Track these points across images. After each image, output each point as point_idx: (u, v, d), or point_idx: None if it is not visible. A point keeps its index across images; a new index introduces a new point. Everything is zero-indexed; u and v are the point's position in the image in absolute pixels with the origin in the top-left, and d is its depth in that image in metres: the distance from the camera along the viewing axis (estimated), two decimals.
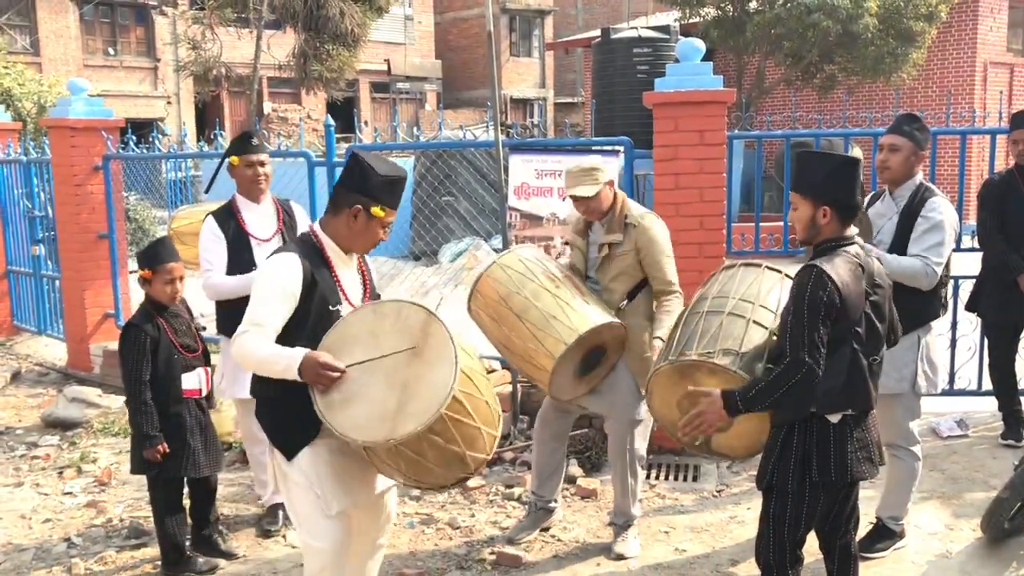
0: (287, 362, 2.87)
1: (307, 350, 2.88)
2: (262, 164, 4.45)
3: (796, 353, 2.90)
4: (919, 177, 4.11)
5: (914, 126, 4.03)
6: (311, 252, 3.06)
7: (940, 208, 3.98)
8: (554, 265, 4.18)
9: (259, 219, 4.48)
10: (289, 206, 4.67)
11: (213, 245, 4.38)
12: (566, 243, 4.33)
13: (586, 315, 3.90)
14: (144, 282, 4.12)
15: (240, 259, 4.37)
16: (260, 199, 4.50)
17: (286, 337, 2.96)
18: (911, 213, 4.01)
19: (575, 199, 4.11)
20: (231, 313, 4.06)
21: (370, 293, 3.28)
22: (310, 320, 3.00)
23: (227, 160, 4.44)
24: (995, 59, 19.13)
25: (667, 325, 3.91)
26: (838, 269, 2.93)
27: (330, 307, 3.05)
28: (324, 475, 3.07)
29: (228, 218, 4.43)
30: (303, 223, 4.62)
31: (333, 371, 2.84)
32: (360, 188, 3.03)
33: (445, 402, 2.78)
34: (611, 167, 5.97)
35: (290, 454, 3.07)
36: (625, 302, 4.12)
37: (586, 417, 5.19)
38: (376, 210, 3.03)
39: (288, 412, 3.03)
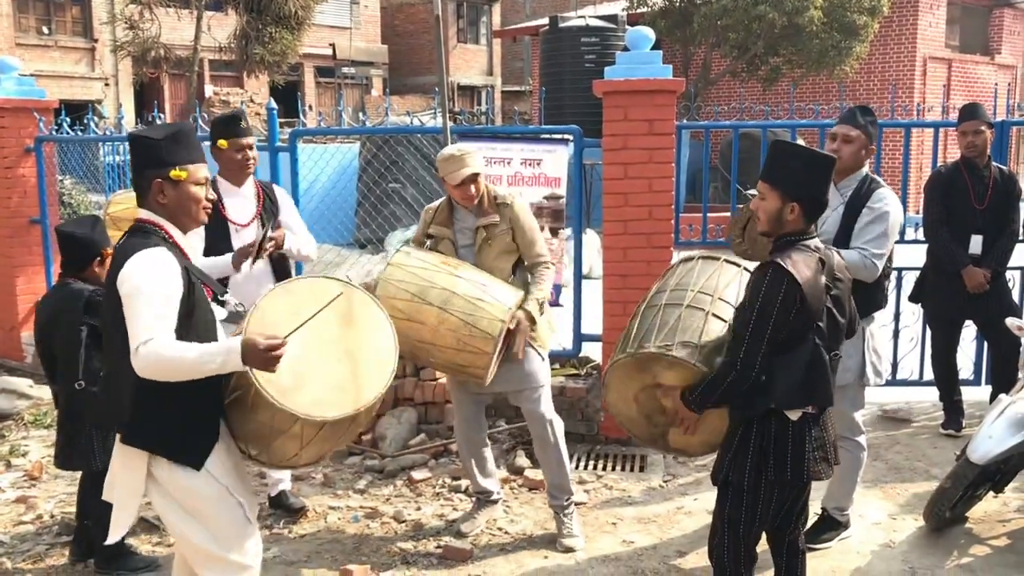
0: (224, 356, 2.65)
1: (239, 338, 2.69)
2: (250, 147, 4.31)
3: (733, 353, 2.92)
4: (865, 168, 4.10)
5: (868, 119, 4.03)
6: (164, 242, 2.79)
7: (886, 200, 3.97)
8: (433, 254, 4.11)
9: (240, 204, 4.34)
10: (272, 190, 4.52)
11: None
12: (429, 236, 4.23)
13: (506, 290, 3.97)
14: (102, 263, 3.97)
15: (216, 245, 4.16)
16: (243, 182, 4.36)
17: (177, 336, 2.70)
18: (857, 204, 4.00)
19: (464, 181, 4.04)
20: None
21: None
22: (194, 316, 2.79)
23: (215, 143, 4.28)
24: (934, 54, 19.53)
25: (543, 289, 4.17)
26: (798, 266, 2.89)
27: (219, 296, 2.93)
28: (235, 479, 2.90)
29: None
30: (286, 206, 4.49)
31: (278, 347, 2.66)
32: (148, 162, 2.80)
33: (396, 359, 3.03)
34: (560, 155, 5.94)
35: (200, 463, 2.81)
36: (511, 278, 4.17)
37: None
38: (176, 173, 2.79)
39: (184, 420, 2.79)
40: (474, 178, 4.07)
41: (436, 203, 4.33)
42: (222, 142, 4.26)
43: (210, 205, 2.95)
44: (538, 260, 4.22)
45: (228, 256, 4.07)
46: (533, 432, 4.31)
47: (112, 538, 2.93)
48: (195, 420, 2.82)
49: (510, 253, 4.19)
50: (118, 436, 2.83)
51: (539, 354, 4.22)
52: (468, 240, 4.18)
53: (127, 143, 2.89)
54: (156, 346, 2.61)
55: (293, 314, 2.85)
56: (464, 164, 4.03)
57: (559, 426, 4.29)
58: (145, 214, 2.85)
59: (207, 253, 4.22)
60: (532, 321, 4.07)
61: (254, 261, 4.05)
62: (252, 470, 5.18)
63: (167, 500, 2.83)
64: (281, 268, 4.42)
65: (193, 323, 2.78)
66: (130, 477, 2.82)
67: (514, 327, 3.99)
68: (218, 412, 2.90)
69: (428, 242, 4.23)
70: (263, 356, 2.64)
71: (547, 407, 4.25)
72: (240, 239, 4.23)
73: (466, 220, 4.19)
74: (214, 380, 2.77)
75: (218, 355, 2.65)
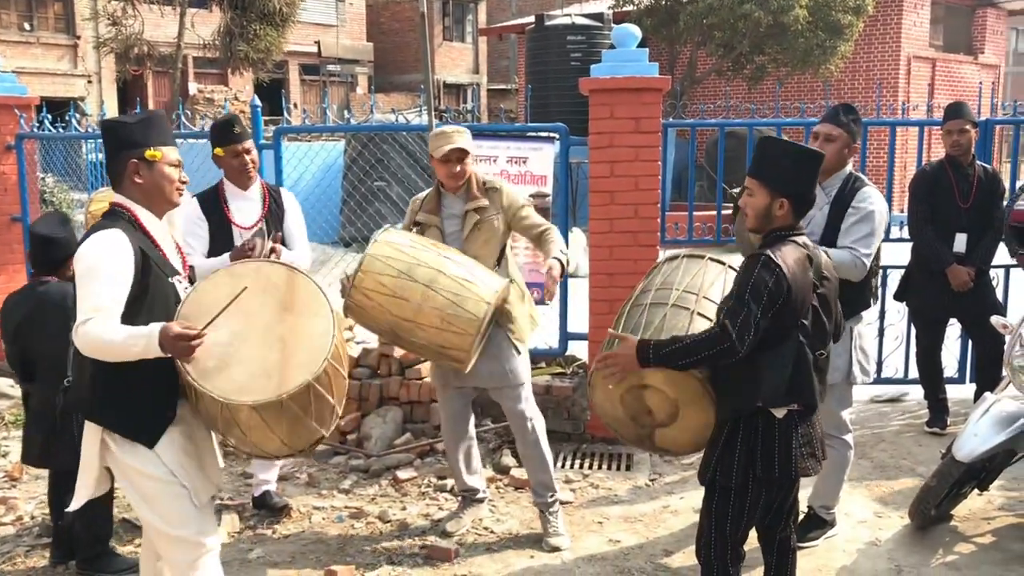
0: (145, 341, 2.69)
1: (161, 324, 2.72)
2: (247, 151, 4.29)
3: (725, 324, 2.84)
4: (849, 167, 4.10)
5: (850, 117, 4.02)
6: (128, 225, 2.88)
7: (872, 198, 3.97)
8: (421, 236, 4.10)
9: (245, 206, 4.33)
10: (278, 192, 4.52)
11: (196, 228, 4.23)
12: (416, 224, 4.24)
13: (492, 276, 3.95)
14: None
15: (221, 247, 4.21)
16: (249, 186, 4.34)
17: (127, 319, 2.77)
18: (842, 203, 3.99)
19: (448, 155, 4.02)
20: None
21: (186, 263, 3.18)
22: (148, 297, 2.84)
23: (213, 152, 4.27)
24: (918, 53, 19.64)
25: (561, 245, 4.03)
26: (786, 258, 2.89)
27: (168, 279, 2.94)
28: (186, 464, 2.95)
29: (214, 204, 4.28)
30: (292, 209, 4.47)
31: (191, 337, 2.70)
32: (123, 145, 2.91)
33: (331, 348, 2.88)
34: (547, 153, 5.92)
35: (152, 441, 2.88)
36: (495, 269, 4.13)
37: None
38: (151, 153, 2.90)
39: (139, 399, 2.87)
40: (460, 154, 4.03)
41: (423, 193, 4.31)
42: (218, 150, 4.26)
43: (183, 187, 3.02)
44: (542, 228, 4.13)
45: (226, 256, 4.05)
46: (515, 430, 4.29)
47: (73, 505, 3.02)
48: (148, 400, 2.88)
49: (497, 240, 4.15)
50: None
51: (518, 349, 4.17)
52: (456, 227, 4.15)
53: (101, 132, 3.00)
54: (91, 326, 2.69)
55: (232, 298, 2.83)
56: (451, 140, 4.02)
57: (540, 424, 4.27)
58: (118, 198, 2.95)
59: (211, 255, 4.23)
60: (563, 270, 3.93)
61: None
62: (236, 470, 5.15)
63: (121, 474, 2.95)
64: None
65: (146, 304, 2.83)
66: (88, 449, 2.95)
67: (545, 272, 3.90)
68: (173, 394, 2.93)
69: (415, 229, 4.20)
70: (176, 344, 2.69)
71: (528, 405, 4.23)
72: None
73: (454, 206, 4.16)
74: (168, 362, 2.79)
75: (141, 339, 2.70)
